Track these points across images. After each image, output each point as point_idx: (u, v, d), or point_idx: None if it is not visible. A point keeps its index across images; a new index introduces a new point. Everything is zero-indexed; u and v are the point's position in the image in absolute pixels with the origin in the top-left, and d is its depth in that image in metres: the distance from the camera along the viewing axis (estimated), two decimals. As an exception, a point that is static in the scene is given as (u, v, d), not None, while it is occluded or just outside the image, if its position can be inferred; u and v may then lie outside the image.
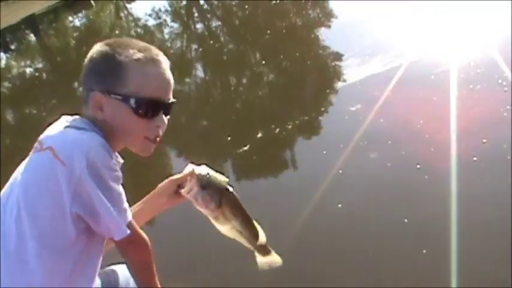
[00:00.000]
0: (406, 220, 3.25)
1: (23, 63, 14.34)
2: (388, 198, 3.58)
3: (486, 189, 3.37)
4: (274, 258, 1.78)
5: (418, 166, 3.79)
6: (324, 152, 4.48)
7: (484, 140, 3.90)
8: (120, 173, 1.41)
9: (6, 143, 7.92)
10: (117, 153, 1.58)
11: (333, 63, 6.82)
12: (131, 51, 1.43)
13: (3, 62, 15.26)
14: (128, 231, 1.39)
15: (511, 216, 2.94)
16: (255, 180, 4.53)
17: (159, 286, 1.55)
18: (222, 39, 10.80)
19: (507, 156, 3.60)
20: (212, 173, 1.65)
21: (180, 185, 1.72)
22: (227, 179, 1.66)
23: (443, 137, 4.09)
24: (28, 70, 13.39)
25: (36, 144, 1.42)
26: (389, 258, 3.00)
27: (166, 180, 1.78)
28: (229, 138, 5.23)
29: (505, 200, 3.14)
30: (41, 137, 1.43)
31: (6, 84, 12.70)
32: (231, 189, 1.65)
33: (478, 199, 3.27)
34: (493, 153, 3.75)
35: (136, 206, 1.78)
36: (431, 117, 4.49)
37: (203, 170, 1.64)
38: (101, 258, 1.53)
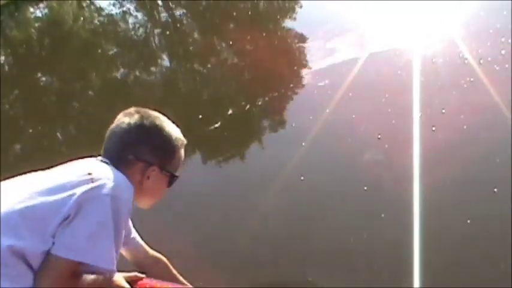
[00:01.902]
0: (365, 188, 3.36)
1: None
2: (348, 169, 3.70)
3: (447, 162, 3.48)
4: None
5: (379, 136, 3.91)
6: (293, 124, 4.63)
7: (444, 111, 4.03)
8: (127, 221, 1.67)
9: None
10: None
11: (299, 45, 6.91)
12: (177, 135, 1.73)
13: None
14: (72, 261, 1.41)
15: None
16: (226, 155, 4.59)
17: None
18: (186, 26, 10.79)
19: (464, 126, 3.77)
20: None
21: None
22: None
23: (405, 108, 4.20)
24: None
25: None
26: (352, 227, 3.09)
27: None
28: (200, 116, 5.31)
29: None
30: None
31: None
32: None
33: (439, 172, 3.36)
34: (451, 123, 3.90)
35: None
36: (395, 91, 4.61)
37: None
38: None
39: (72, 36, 12.90)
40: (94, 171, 1.51)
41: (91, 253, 1.43)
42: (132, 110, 1.71)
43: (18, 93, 9.76)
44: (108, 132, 1.69)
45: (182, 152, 1.77)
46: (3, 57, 13.64)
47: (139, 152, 1.66)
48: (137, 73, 8.59)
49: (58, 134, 6.91)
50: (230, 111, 5.24)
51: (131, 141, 1.65)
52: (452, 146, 3.67)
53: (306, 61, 6.25)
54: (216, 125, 4.94)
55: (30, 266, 1.38)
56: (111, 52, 10.32)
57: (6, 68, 12.53)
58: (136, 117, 1.67)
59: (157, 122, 1.69)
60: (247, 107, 5.19)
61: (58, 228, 1.41)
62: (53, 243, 1.40)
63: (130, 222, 1.97)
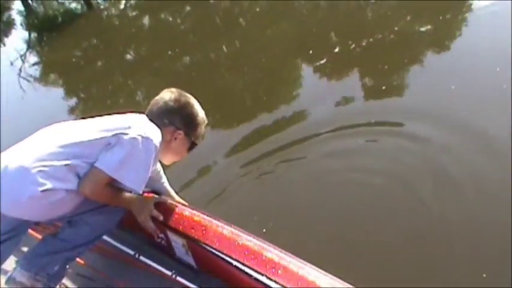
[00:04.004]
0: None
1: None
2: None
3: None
4: None
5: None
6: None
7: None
8: (155, 159, 2.13)
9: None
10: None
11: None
12: (202, 114, 2.27)
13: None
14: (106, 174, 1.96)
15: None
16: (330, 86, 5.22)
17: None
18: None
19: None
20: None
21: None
22: None
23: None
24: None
25: None
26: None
27: None
28: (311, 52, 5.98)
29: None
30: None
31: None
32: None
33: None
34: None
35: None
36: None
37: None
38: None
39: None
40: (133, 123, 2.04)
41: (120, 172, 1.98)
42: (173, 89, 2.28)
43: (189, 9, 10.70)
44: (152, 101, 2.25)
45: (203, 128, 2.29)
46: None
47: (173, 118, 2.20)
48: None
49: (224, 47, 7.76)
50: (336, 49, 5.83)
51: (168, 110, 2.20)
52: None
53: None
54: (322, 61, 5.56)
55: (78, 175, 1.98)
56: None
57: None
58: (176, 94, 2.24)
59: (190, 101, 2.25)
60: (352, 46, 5.65)
61: (102, 151, 1.99)
62: (97, 160, 1.99)
63: (161, 170, 2.45)
